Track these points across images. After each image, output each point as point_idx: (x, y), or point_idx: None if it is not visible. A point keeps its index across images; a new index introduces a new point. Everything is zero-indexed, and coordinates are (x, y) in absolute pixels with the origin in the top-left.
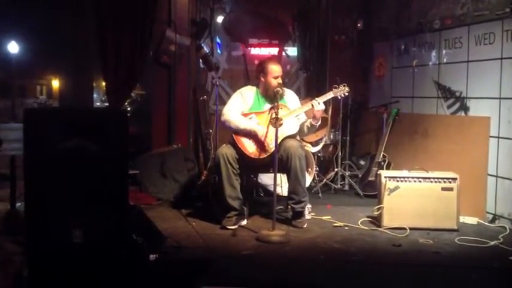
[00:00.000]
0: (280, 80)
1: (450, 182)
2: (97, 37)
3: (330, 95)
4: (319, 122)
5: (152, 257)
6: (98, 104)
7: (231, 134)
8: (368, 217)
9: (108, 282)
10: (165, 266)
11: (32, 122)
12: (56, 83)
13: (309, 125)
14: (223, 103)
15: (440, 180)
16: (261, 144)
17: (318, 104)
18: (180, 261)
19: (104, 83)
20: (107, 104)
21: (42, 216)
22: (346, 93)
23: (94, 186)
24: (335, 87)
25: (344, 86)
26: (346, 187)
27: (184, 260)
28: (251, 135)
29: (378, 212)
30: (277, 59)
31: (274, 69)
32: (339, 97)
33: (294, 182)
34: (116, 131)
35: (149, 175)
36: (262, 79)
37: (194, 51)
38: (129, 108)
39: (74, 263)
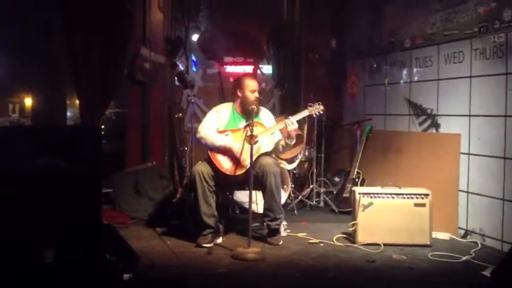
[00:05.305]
0: (257, 95)
1: (422, 198)
2: (69, 55)
3: (304, 114)
4: (294, 141)
5: (126, 276)
6: (72, 122)
7: (207, 151)
8: (343, 233)
9: None
10: (139, 286)
11: (3, 140)
12: (28, 101)
13: (284, 144)
14: (199, 121)
15: (412, 196)
16: (236, 161)
17: (291, 124)
18: (155, 280)
19: (77, 101)
20: (80, 121)
21: (13, 235)
22: (321, 112)
23: (66, 205)
24: (310, 105)
25: (319, 104)
26: (322, 204)
27: (158, 279)
28: (226, 151)
29: (352, 228)
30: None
31: (251, 83)
32: (314, 115)
33: (270, 199)
34: (89, 148)
35: (123, 193)
36: (240, 94)
37: (169, 69)
38: (103, 126)
39: (46, 283)
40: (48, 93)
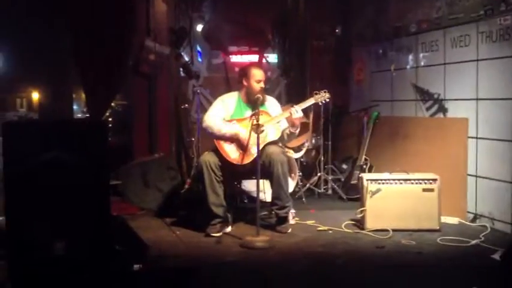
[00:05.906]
0: (262, 85)
1: (431, 183)
2: (74, 48)
3: (310, 102)
4: (298, 129)
5: (136, 266)
6: (79, 115)
7: (213, 141)
8: (351, 220)
9: None
10: (149, 276)
11: (11, 135)
12: (36, 95)
13: (289, 132)
14: (205, 111)
15: (421, 181)
16: (243, 151)
17: (296, 112)
18: (165, 270)
19: (83, 95)
20: (87, 115)
21: (23, 229)
22: (327, 99)
23: (75, 197)
24: (316, 93)
25: (325, 92)
26: (330, 191)
27: (168, 269)
28: (233, 140)
29: (361, 215)
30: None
31: (257, 73)
32: (320, 103)
33: (277, 187)
34: (96, 141)
35: (132, 185)
36: (245, 83)
37: (174, 60)
38: (110, 119)
39: (57, 276)
40: (54, 88)
